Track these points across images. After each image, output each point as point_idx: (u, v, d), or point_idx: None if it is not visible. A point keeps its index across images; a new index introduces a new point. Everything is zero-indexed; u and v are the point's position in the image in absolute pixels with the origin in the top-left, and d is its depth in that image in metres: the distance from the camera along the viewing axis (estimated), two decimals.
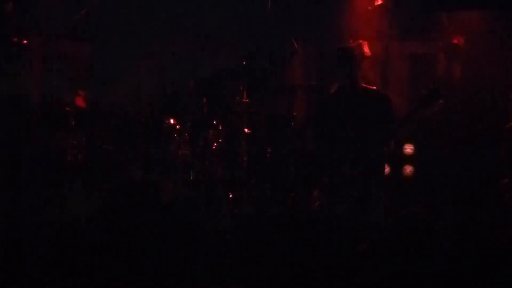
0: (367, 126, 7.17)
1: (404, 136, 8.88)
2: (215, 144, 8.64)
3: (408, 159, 9.36)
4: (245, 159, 8.69)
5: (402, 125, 6.99)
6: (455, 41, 9.39)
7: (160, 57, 10.25)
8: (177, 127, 8.57)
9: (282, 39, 9.34)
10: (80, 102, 8.95)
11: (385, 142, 7.01)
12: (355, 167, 7.12)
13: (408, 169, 9.32)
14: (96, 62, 10.21)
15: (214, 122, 8.70)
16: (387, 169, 8.53)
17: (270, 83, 9.68)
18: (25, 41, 9.48)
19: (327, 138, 7.45)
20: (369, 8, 9.55)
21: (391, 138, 7.07)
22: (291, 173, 8.71)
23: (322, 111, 7.80)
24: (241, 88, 8.84)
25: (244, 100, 8.78)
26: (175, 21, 10.14)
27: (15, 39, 9.49)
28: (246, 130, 8.70)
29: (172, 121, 8.61)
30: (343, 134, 7.27)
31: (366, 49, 9.18)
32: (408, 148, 9.29)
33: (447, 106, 9.10)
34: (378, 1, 9.46)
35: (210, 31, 10.19)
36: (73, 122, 8.61)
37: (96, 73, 10.18)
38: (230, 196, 8.36)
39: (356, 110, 7.24)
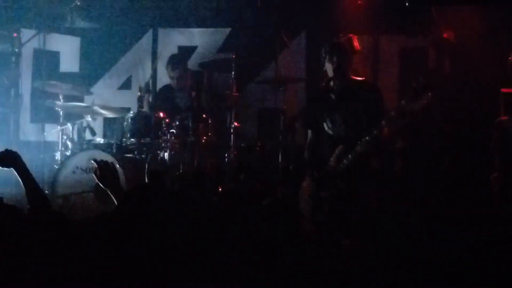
0: (357, 118, 7.16)
1: (394, 130, 8.86)
2: (205, 137, 8.62)
3: (398, 154, 9.34)
4: (235, 152, 8.67)
5: (392, 119, 6.96)
6: (445, 35, 9.37)
7: (150, 50, 10.24)
8: (167, 120, 8.55)
9: (272, 32, 9.33)
10: None
11: (375, 133, 6.98)
12: (344, 159, 7.10)
13: (398, 163, 9.28)
14: (85, 55, 10.19)
15: (204, 115, 8.67)
16: (376, 163, 8.54)
17: (260, 77, 9.71)
18: (15, 34, 9.47)
19: (317, 131, 7.43)
20: (359, 2, 9.53)
21: (381, 129, 7.04)
22: (280, 166, 8.72)
23: (311, 104, 7.79)
24: (231, 81, 8.81)
25: (234, 94, 8.74)
26: (165, 13, 10.13)
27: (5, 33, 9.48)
28: (235, 123, 8.68)
29: (161, 114, 8.59)
30: (332, 126, 7.25)
31: (355, 43, 9.20)
32: (399, 143, 9.26)
33: (437, 100, 9.14)
34: None
35: (201, 24, 10.17)
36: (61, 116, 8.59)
37: (85, 67, 10.16)
38: (220, 189, 8.34)
39: (346, 101, 7.22)
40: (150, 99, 9.21)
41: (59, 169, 8.30)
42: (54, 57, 9.95)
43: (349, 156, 7.04)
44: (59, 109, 8.61)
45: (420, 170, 9.23)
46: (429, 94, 6.70)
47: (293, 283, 3.82)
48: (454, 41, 9.40)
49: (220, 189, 8.33)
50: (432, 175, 9.21)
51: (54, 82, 8.86)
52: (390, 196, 8.43)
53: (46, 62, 9.50)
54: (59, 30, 9.89)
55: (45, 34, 9.60)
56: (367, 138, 6.92)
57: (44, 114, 9.45)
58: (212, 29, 10.12)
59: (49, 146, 9.31)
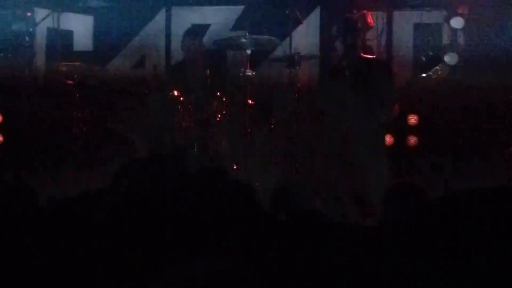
0: (370, 95, 7.18)
1: (407, 105, 8.85)
2: (219, 115, 8.61)
3: (412, 129, 9.31)
4: (249, 130, 8.67)
5: (403, 92, 6.97)
6: (459, 10, 9.30)
7: (164, 29, 10.21)
8: (181, 99, 8.54)
9: (285, 10, 9.27)
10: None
11: (387, 109, 6.98)
12: (358, 136, 7.12)
13: (412, 139, 9.24)
14: (99, 34, 10.17)
15: (218, 93, 8.66)
16: (391, 139, 8.54)
17: (274, 55, 9.67)
18: (28, 13, 9.49)
19: (331, 107, 7.45)
20: None
21: (392, 104, 7.05)
22: (294, 143, 8.73)
23: (326, 80, 7.81)
24: (244, 59, 8.80)
25: (248, 72, 8.73)
26: None
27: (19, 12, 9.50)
28: (249, 101, 8.68)
29: (176, 92, 8.58)
30: (346, 103, 7.27)
31: (369, 20, 9.18)
32: (412, 119, 9.22)
33: (452, 75, 9.11)
34: None
35: (214, 2, 10.16)
36: (77, 95, 8.59)
37: (99, 45, 10.15)
38: (235, 167, 8.36)
39: (359, 78, 7.24)
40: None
41: None
42: (67, 36, 9.95)
43: (363, 132, 7.07)
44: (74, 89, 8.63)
45: (434, 145, 9.23)
46: (437, 67, 6.70)
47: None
48: (468, 16, 9.31)
49: (235, 167, 8.35)
50: (447, 150, 9.22)
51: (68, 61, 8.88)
52: (405, 172, 8.51)
53: (60, 41, 9.50)
54: (72, 9, 9.88)
55: (59, 13, 9.61)
56: (380, 114, 6.94)
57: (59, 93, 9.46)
58: (225, 7, 10.09)
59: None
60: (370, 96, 7.22)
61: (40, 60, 9.80)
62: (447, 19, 9.37)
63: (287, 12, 9.15)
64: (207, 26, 10.08)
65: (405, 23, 9.70)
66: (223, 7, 10.15)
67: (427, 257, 3.26)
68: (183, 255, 3.24)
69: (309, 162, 8.28)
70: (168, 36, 10.13)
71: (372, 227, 4.01)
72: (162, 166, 3.97)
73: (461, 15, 9.24)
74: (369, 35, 9.20)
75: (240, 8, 10.02)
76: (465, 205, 3.51)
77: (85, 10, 10.06)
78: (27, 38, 9.54)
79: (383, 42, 9.53)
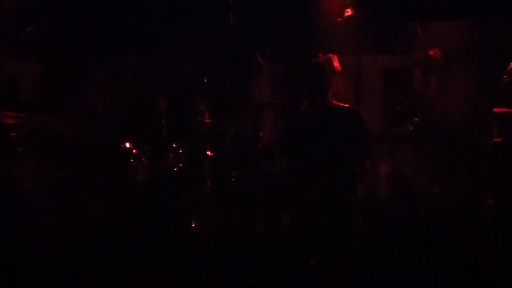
0: (339, 145, 6.79)
1: (380, 154, 8.54)
2: (176, 168, 8.14)
3: (385, 179, 8.98)
4: (208, 184, 8.27)
5: (377, 143, 6.80)
6: (431, 53, 9.16)
7: (117, 76, 9.80)
8: (134, 151, 8.10)
9: (247, 54, 8.93)
10: None
11: (358, 161, 6.80)
12: (327, 187, 6.68)
13: (383, 190, 8.92)
14: (47, 82, 9.71)
15: (174, 145, 8.21)
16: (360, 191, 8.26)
17: (234, 102, 9.29)
18: None
19: (298, 158, 7.10)
20: (339, 19, 9.22)
21: (364, 157, 6.95)
22: (258, 197, 8.26)
23: (292, 129, 7.43)
24: (202, 107, 8.45)
25: (206, 121, 8.44)
26: (133, 36, 9.71)
27: None
28: (209, 153, 8.32)
29: (128, 145, 8.14)
30: (314, 153, 6.85)
31: (336, 64, 8.92)
32: (385, 167, 8.88)
33: (424, 122, 8.81)
34: (348, 12, 9.12)
35: (170, 47, 9.81)
36: (19, 149, 8.09)
37: (47, 94, 9.66)
38: (193, 225, 7.85)
39: (328, 128, 6.90)
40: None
41: None
42: (10, 84, 9.49)
43: (332, 185, 6.71)
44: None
45: (407, 197, 8.85)
46: (415, 117, 6.48)
47: None
48: (441, 59, 9.16)
49: (193, 225, 7.87)
50: (421, 202, 8.85)
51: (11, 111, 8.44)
52: (377, 225, 8.10)
53: (1, 90, 9.12)
54: (17, 55, 9.48)
55: (1, 60, 9.23)
56: (351, 164, 6.73)
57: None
58: (183, 52, 9.75)
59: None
60: (340, 146, 6.83)
61: None
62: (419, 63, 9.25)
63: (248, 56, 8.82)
64: (164, 72, 9.67)
65: (374, 68, 9.55)
66: (180, 52, 9.80)
67: None
68: None
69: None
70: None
71: None
72: None
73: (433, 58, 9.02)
74: (336, 80, 8.90)
75: (198, 53, 9.67)
76: None
77: None
78: None
79: (351, 87, 9.27)
